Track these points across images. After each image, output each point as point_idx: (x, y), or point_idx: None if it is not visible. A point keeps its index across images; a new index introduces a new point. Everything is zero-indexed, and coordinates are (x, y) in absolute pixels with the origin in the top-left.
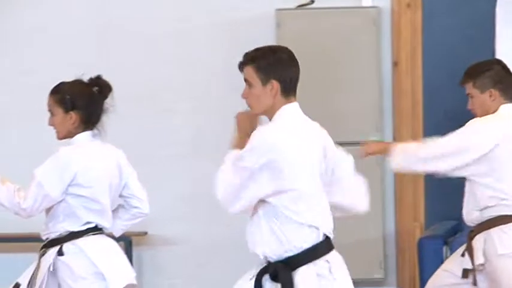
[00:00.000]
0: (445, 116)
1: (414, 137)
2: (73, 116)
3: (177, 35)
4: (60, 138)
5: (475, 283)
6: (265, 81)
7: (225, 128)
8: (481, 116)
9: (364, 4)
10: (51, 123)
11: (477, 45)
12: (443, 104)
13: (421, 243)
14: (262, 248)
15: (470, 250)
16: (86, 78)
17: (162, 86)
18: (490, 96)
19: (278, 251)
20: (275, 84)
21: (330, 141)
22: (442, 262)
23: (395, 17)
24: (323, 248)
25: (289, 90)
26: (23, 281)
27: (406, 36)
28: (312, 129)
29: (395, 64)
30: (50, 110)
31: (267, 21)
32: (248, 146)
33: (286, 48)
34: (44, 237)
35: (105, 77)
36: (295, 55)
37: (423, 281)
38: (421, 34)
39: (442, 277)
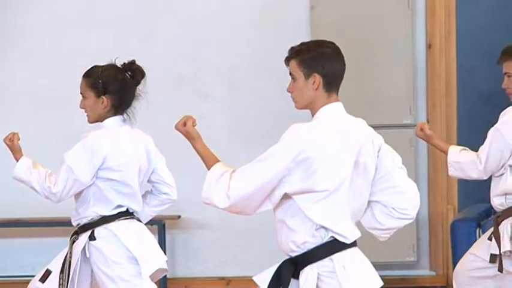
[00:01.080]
0: (479, 98)
1: (448, 120)
2: (104, 100)
3: (209, 18)
4: (90, 122)
5: (501, 269)
6: (307, 75)
7: (260, 113)
8: None
9: None
10: (82, 107)
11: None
12: (477, 87)
13: (454, 226)
14: (279, 241)
15: (497, 235)
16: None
17: (196, 70)
18: None
19: (286, 248)
20: (317, 78)
21: (375, 139)
22: None
23: None
24: (329, 248)
25: (331, 85)
26: (54, 268)
27: (440, 18)
28: (353, 130)
29: (429, 46)
30: (82, 93)
31: (301, 4)
32: (283, 142)
33: (332, 43)
34: (74, 223)
35: (141, 60)
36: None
37: (456, 264)
38: (455, 16)
39: (470, 261)
